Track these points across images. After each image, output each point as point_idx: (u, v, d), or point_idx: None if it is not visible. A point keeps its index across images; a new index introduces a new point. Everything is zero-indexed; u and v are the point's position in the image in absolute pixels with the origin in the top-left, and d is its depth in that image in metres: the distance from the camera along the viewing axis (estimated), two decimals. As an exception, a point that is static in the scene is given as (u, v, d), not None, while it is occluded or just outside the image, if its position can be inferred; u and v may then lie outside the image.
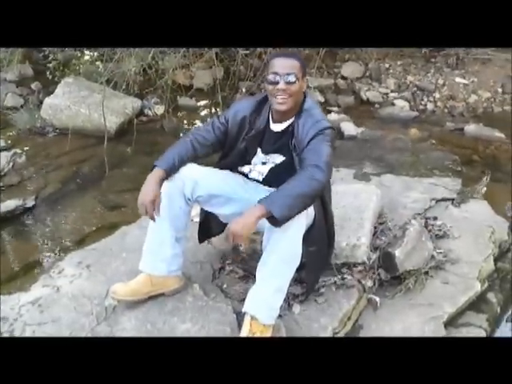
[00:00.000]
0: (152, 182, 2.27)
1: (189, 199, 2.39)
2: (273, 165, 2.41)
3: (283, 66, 2.23)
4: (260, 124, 2.39)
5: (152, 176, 2.29)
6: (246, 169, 2.49)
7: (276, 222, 2.06)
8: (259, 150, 2.42)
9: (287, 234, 2.14)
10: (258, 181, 2.48)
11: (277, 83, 2.23)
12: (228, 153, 2.48)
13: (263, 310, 2.23)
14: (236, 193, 2.44)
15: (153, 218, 2.26)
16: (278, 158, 2.39)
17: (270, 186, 2.42)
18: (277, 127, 2.37)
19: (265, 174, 2.45)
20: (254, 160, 2.45)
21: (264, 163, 2.43)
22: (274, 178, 2.40)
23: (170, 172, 2.33)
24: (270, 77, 2.24)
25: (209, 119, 5.59)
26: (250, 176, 2.49)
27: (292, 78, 2.22)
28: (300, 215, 2.14)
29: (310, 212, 2.28)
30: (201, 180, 2.37)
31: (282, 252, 2.17)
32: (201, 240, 2.74)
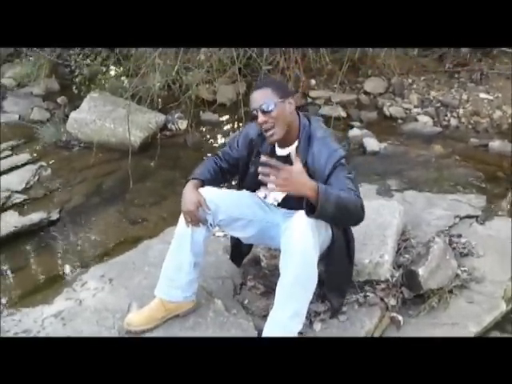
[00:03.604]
0: (191, 189, 2.35)
1: (210, 224, 2.40)
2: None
3: (255, 99, 2.25)
4: (266, 148, 2.39)
5: (189, 185, 2.37)
6: (261, 194, 2.49)
7: (311, 211, 2.04)
8: None
9: (300, 256, 2.11)
10: (273, 205, 2.47)
11: (257, 118, 2.23)
12: (243, 176, 2.51)
13: (281, 335, 2.21)
14: (256, 215, 2.44)
15: (201, 222, 2.32)
16: None
17: (287, 208, 2.41)
18: (282, 152, 2.36)
19: (280, 200, 2.44)
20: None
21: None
22: (289, 204, 2.39)
23: (205, 183, 2.40)
24: (252, 114, 2.25)
25: (231, 133, 5.63)
26: (266, 201, 2.49)
27: (266, 107, 2.20)
28: (311, 236, 2.11)
29: (324, 232, 2.26)
30: (222, 204, 2.38)
31: (296, 274, 2.13)
32: (236, 263, 2.78)
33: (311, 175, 2.21)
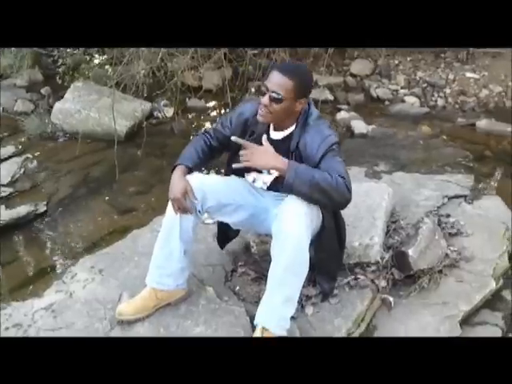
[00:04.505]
0: (178, 176, 2.31)
1: (199, 211, 2.38)
2: (277, 174, 2.34)
3: (274, 81, 2.17)
4: (261, 129, 2.35)
5: (175, 173, 2.33)
6: (250, 178, 2.47)
7: (283, 184, 2.11)
8: None
9: (292, 242, 2.11)
10: (262, 189, 2.46)
11: (263, 95, 2.20)
12: (234, 155, 2.44)
13: (274, 320, 2.22)
14: (245, 199, 2.43)
15: (188, 211, 2.30)
16: None
17: (276, 191, 2.40)
18: (276, 135, 2.34)
19: (269, 183, 2.42)
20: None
21: (269, 171, 2.38)
22: (278, 187, 2.37)
23: (193, 168, 2.37)
24: (263, 87, 2.21)
25: (218, 120, 5.60)
26: (255, 184, 2.47)
27: (277, 96, 2.16)
28: (303, 221, 2.11)
29: (316, 218, 2.25)
30: (210, 190, 2.36)
31: (289, 261, 2.13)
32: (221, 246, 2.76)
33: (303, 161, 2.21)
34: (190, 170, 2.36)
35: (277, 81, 2.17)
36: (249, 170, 2.43)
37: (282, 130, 2.32)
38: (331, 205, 2.20)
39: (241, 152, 2.14)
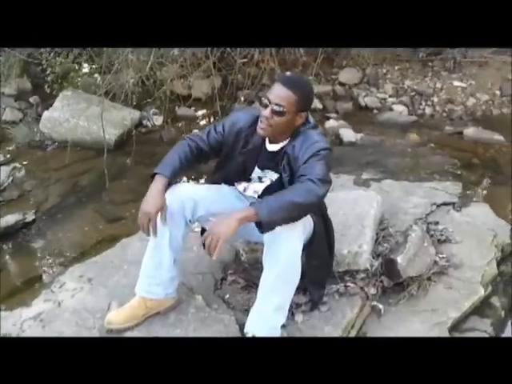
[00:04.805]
0: (156, 192, 2.21)
1: (190, 220, 2.37)
2: (269, 182, 2.37)
3: (276, 94, 2.16)
4: (256, 141, 2.34)
5: (155, 185, 2.23)
6: (240, 187, 2.46)
7: (263, 226, 2.02)
8: (256, 165, 2.38)
9: (284, 251, 2.11)
10: (253, 198, 2.44)
11: (265, 108, 2.17)
12: (225, 163, 2.44)
13: (264, 329, 2.22)
14: (235, 207, 2.40)
15: (154, 232, 2.21)
16: (274, 176, 2.35)
17: None
18: (272, 147, 2.33)
19: (260, 192, 2.41)
20: (252, 175, 2.41)
21: (261, 179, 2.39)
22: (269, 195, 2.37)
23: (173, 178, 2.28)
24: (264, 99, 2.18)
25: (208, 127, 5.59)
26: (245, 194, 2.46)
27: (279, 109, 2.14)
28: (296, 230, 2.12)
29: (308, 225, 2.26)
30: (200, 200, 2.35)
31: (281, 269, 2.13)
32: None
33: (290, 164, 2.22)
34: (170, 182, 2.29)
35: (280, 93, 2.15)
36: (238, 180, 2.43)
37: (278, 143, 2.31)
38: (313, 209, 2.20)
39: (202, 239, 2.05)
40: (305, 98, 2.21)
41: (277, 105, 2.14)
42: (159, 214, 2.21)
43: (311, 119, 2.31)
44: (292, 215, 2.07)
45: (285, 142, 2.29)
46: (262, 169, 2.38)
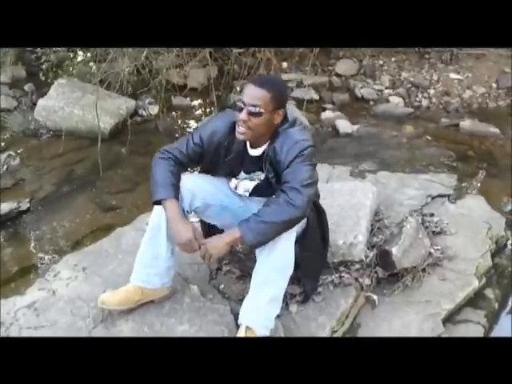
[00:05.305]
0: (177, 218, 2.19)
1: (187, 211, 2.37)
2: (258, 181, 2.35)
3: (250, 95, 2.12)
4: (237, 147, 2.30)
5: (171, 212, 2.19)
6: (232, 184, 2.45)
7: (251, 246, 2.15)
8: (242, 170, 2.37)
9: (278, 244, 2.13)
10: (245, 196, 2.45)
11: (240, 111, 2.13)
12: (211, 169, 2.42)
13: (258, 320, 2.22)
14: (230, 199, 2.42)
15: (197, 250, 2.20)
16: (262, 175, 2.33)
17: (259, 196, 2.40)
18: (254, 152, 2.30)
19: (250, 190, 2.41)
20: (239, 176, 2.41)
21: (250, 179, 2.38)
22: (259, 193, 2.38)
23: (178, 196, 2.26)
24: (238, 103, 2.14)
25: (203, 118, 5.58)
26: (237, 191, 2.45)
27: (254, 110, 2.11)
28: None
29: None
30: (197, 191, 2.34)
31: (274, 262, 2.15)
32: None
33: (274, 167, 2.20)
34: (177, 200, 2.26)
35: (254, 93, 2.12)
36: (230, 177, 2.44)
37: (260, 146, 2.27)
38: (299, 221, 2.18)
39: (200, 254, 2.16)
40: (279, 94, 2.17)
41: (252, 106, 2.11)
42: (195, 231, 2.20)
43: (289, 116, 2.26)
44: (279, 232, 2.11)
45: (266, 145, 2.26)
46: (248, 173, 2.37)
